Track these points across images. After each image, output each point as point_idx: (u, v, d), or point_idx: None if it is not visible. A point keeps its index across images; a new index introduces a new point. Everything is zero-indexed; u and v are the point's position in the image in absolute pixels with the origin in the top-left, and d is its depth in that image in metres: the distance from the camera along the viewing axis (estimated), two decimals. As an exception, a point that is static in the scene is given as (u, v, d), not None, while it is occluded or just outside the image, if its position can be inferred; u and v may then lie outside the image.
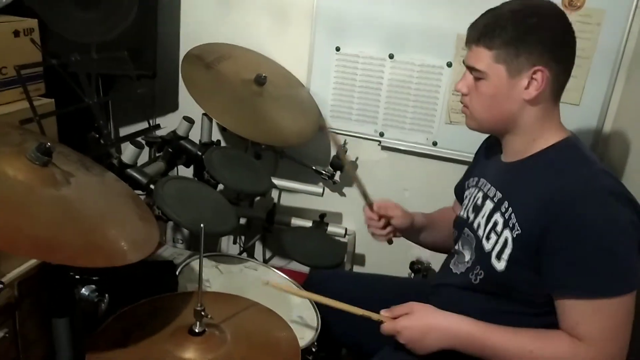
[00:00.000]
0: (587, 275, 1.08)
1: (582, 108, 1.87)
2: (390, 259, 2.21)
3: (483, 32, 1.16)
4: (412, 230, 1.52)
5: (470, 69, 1.21)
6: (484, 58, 1.17)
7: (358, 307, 1.26)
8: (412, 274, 2.10)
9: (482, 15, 1.20)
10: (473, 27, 1.20)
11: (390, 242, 1.54)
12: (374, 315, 1.25)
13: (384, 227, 1.49)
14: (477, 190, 1.35)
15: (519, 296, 1.18)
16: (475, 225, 1.29)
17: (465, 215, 1.36)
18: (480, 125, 1.26)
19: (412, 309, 1.22)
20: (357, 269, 2.25)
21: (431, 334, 1.18)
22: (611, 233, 1.07)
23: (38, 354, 1.51)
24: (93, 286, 1.17)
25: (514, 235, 1.15)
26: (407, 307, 1.23)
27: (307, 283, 1.62)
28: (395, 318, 1.22)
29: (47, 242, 0.91)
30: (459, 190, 1.52)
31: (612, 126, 1.88)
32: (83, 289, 1.17)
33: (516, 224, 1.15)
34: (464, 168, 1.56)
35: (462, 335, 1.17)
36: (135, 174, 1.50)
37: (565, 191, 1.10)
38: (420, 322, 1.20)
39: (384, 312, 1.25)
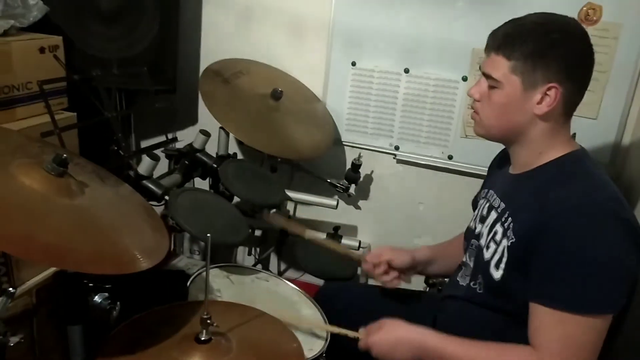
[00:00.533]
0: (561, 286, 1.07)
1: (599, 122, 1.86)
2: (405, 272, 2.21)
3: (504, 41, 1.17)
4: (419, 266, 1.53)
5: (486, 76, 1.22)
6: (501, 67, 1.17)
7: (336, 326, 1.37)
8: (427, 288, 2.09)
9: (505, 23, 1.20)
10: (494, 34, 1.20)
11: (407, 282, 1.57)
12: (350, 333, 1.34)
13: (387, 273, 1.51)
14: (485, 202, 1.36)
15: (519, 310, 1.17)
16: (479, 234, 1.31)
17: (473, 226, 1.38)
18: (487, 132, 1.26)
19: (382, 325, 1.29)
20: (372, 282, 2.25)
21: (399, 347, 1.24)
22: (595, 249, 1.06)
23: (55, 360, 1.56)
24: (106, 294, 1.21)
25: (509, 244, 1.16)
26: (378, 323, 1.30)
27: (318, 295, 1.63)
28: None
29: (58, 249, 0.95)
30: (475, 204, 1.53)
31: (630, 140, 1.85)
32: (96, 297, 1.20)
33: (512, 233, 1.16)
34: (479, 182, 1.56)
35: (424, 346, 1.22)
36: (150, 185, 1.54)
37: (557, 203, 1.10)
38: (388, 336, 1.26)
39: (361, 330, 1.32)
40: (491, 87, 1.21)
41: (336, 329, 1.35)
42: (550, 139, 1.20)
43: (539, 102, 1.15)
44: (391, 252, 1.49)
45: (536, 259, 1.10)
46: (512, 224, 1.18)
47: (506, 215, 1.21)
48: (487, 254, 1.24)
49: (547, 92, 1.14)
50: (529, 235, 1.12)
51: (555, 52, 1.13)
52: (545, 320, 1.09)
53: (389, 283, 1.52)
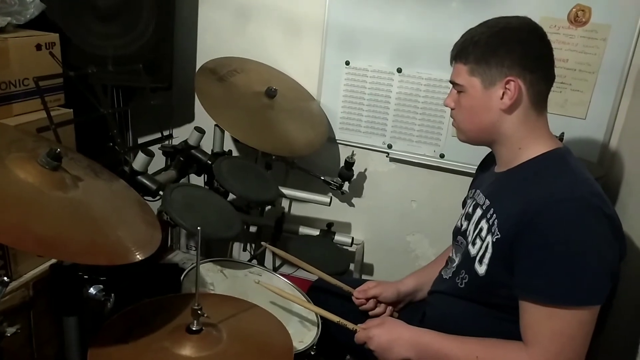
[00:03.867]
0: (548, 281, 1.09)
1: (588, 122, 1.89)
2: (398, 269, 2.23)
3: (459, 49, 1.25)
4: (406, 297, 1.57)
5: (453, 84, 1.29)
6: (461, 72, 1.24)
7: (336, 315, 1.38)
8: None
9: (462, 35, 1.27)
10: (454, 46, 1.28)
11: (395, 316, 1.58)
12: (349, 325, 1.36)
13: (376, 306, 1.56)
14: (471, 200, 1.39)
15: (502, 302, 1.20)
16: (466, 232, 1.34)
17: (459, 224, 1.41)
18: (467, 137, 1.32)
19: (384, 321, 1.35)
20: (365, 278, 2.28)
21: (396, 344, 1.28)
22: (580, 243, 1.09)
23: (51, 352, 1.58)
24: (100, 286, 1.24)
25: (494, 240, 1.19)
26: (380, 319, 1.36)
27: (311, 290, 1.66)
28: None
29: (52, 240, 0.97)
30: (464, 205, 1.56)
31: (618, 140, 1.88)
32: (91, 289, 1.23)
33: (496, 229, 1.19)
34: (470, 180, 1.59)
35: (420, 344, 1.26)
36: (145, 181, 1.56)
37: (541, 198, 1.12)
38: (389, 332, 1.31)
39: (360, 325, 1.36)
40: (459, 93, 1.27)
41: (336, 318, 1.38)
42: (526, 134, 1.23)
43: (502, 98, 1.20)
44: (377, 288, 1.53)
45: (521, 254, 1.13)
46: (496, 220, 1.21)
47: (491, 212, 1.24)
48: (473, 250, 1.27)
49: (507, 86, 1.19)
50: (514, 231, 1.14)
51: (505, 47, 1.19)
52: (534, 316, 1.11)
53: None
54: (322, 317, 1.42)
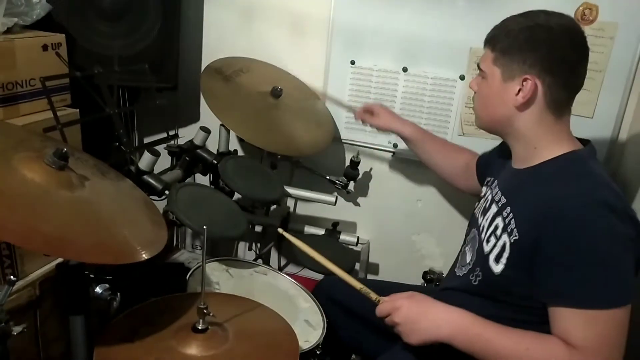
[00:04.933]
0: (581, 286, 1.08)
1: (595, 121, 1.87)
2: (403, 268, 2.24)
3: (491, 35, 1.26)
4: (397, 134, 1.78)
5: (479, 68, 1.30)
6: (487, 59, 1.26)
7: (359, 282, 1.30)
8: (425, 284, 2.11)
9: (502, 20, 1.27)
10: (490, 30, 1.28)
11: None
12: (372, 294, 1.28)
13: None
14: (489, 192, 1.38)
15: (516, 302, 1.20)
16: (480, 226, 1.33)
17: (477, 215, 1.40)
18: (481, 123, 1.34)
19: (414, 294, 1.24)
20: (370, 277, 2.28)
21: (427, 317, 1.19)
22: (607, 245, 1.08)
23: (57, 351, 1.59)
24: (106, 285, 1.23)
25: (512, 241, 1.17)
26: (408, 293, 1.25)
27: (316, 289, 1.66)
28: None
29: (58, 239, 0.98)
30: (482, 163, 1.61)
31: (626, 138, 1.87)
32: (97, 288, 1.23)
33: (515, 229, 1.18)
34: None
35: (459, 324, 1.17)
36: (150, 180, 1.57)
37: (563, 201, 1.11)
38: (419, 304, 1.21)
39: (384, 297, 1.27)
40: (482, 79, 1.29)
41: (359, 285, 1.29)
42: (543, 135, 1.22)
43: (517, 94, 1.20)
44: (386, 115, 1.80)
45: (544, 260, 1.11)
46: (513, 219, 1.19)
47: (507, 211, 1.23)
48: (486, 247, 1.26)
49: (524, 84, 1.19)
50: (532, 235, 1.13)
51: (532, 45, 1.18)
52: (572, 322, 1.09)
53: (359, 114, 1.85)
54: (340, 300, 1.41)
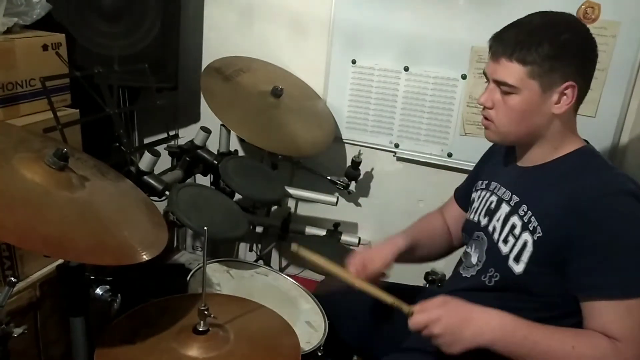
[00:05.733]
0: (618, 275, 1.08)
1: (598, 120, 1.86)
2: (405, 269, 2.19)
3: (517, 47, 1.16)
4: (399, 259, 1.42)
5: (499, 83, 1.20)
6: (516, 73, 1.16)
7: (391, 296, 1.21)
8: (427, 285, 2.10)
9: (510, 29, 1.20)
10: (502, 42, 1.18)
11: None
12: (404, 307, 1.18)
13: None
14: (489, 194, 1.36)
15: (536, 299, 1.19)
16: (490, 228, 1.30)
17: (476, 219, 1.37)
18: (504, 138, 1.27)
19: (447, 300, 1.16)
20: (372, 278, 2.27)
21: (471, 325, 1.12)
22: (638, 232, 1.08)
23: (58, 353, 1.58)
24: (107, 286, 1.23)
25: (535, 238, 1.16)
26: (440, 299, 1.17)
27: (318, 290, 1.65)
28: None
29: (58, 240, 0.97)
30: (462, 193, 1.55)
31: (629, 138, 1.86)
32: (97, 289, 1.22)
33: (538, 227, 1.17)
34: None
35: (502, 328, 1.12)
36: (151, 181, 1.56)
37: (589, 192, 1.12)
38: (459, 311, 1.15)
39: (415, 307, 1.18)
40: (506, 93, 1.19)
41: (390, 299, 1.20)
42: (565, 134, 1.23)
43: (557, 102, 1.17)
44: (372, 265, 1.36)
45: (577, 253, 1.11)
46: (533, 217, 1.18)
47: (524, 209, 1.22)
48: (504, 249, 1.23)
49: (565, 92, 1.16)
50: (559, 229, 1.12)
51: (569, 52, 1.15)
52: (612, 314, 1.08)
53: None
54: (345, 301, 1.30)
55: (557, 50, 1.14)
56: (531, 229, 1.18)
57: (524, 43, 1.15)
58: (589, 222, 1.09)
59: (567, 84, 1.15)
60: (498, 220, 1.28)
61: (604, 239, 1.09)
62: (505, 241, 1.24)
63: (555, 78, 1.15)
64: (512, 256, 1.21)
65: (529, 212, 1.20)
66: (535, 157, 1.27)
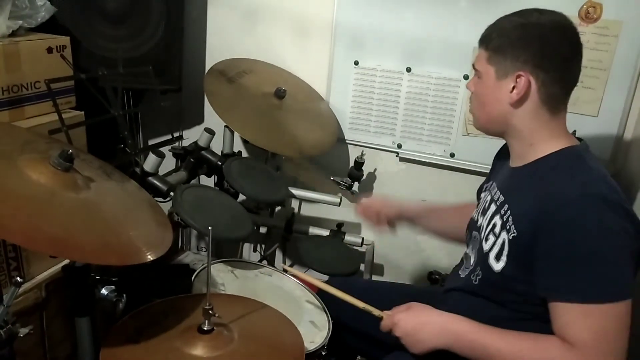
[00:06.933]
0: (578, 279, 1.08)
1: (600, 119, 1.87)
2: (408, 269, 2.24)
3: (485, 35, 1.26)
4: (406, 219, 1.65)
5: (474, 68, 1.29)
6: (481, 58, 1.25)
7: (361, 301, 1.35)
8: (430, 284, 2.11)
9: (495, 20, 1.27)
10: (484, 31, 1.28)
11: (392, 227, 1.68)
12: (375, 311, 1.33)
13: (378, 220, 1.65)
14: (487, 194, 1.38)
15: (517, 299, 1.19)
16: (480, 226, 1.33)
17: (475, 218, 1.40)
18: (479, 124, 1.33)
19: (411, 306, 1.28)
20: (375, 278, 2.28)
21: (425, 329, 1.22)
22: (602, 238, 1.08)
23: (64, 353, 1.60)
24: (112, 287, 1.24)
25: (510, 238, 1.18)
26: (406, 306, 1.29)
27: (318, 294, 1.66)
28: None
29: (64, 241, 0.98)
30: (479, 194, 1.56)
31: (631, 137, 1.86)
32: (103, 289, 1.23)
33: (512, 226, 1.18)
34: (481, 179, 1.57)
35: (454, 332, 1.20)
36: (155, 182, 1.57)
37: (558, 196, 1.11)
38: (415, 316, 1.25)
39: (386, 312, 1.31)
40: (478, 79, 1.28)
41: (361, 304, 1.35)
42: (538, 132, 1.22)
43: (511, 91, 1.20)
44: (380, 204, 1.64)
45: (543, 255, 1.11)
46: (510, 217, 1.20)
47: (505, 208, 1.23)
48: (485, 246, 1.26)
49: (517, 80, 1.19)
50: (530, 230, 1.13)
51: (525, 42, 1.18)
52: (569, 316, 1.09)
53: (377, 227, 1.67)
54: (345, 302, 1.38)
55: (513, 39, 1.19)
56: (507, 228, 1.20)
57: (490, 31, 1.24)
58: (553, 226, 1.10)
59: (518, 73, 1.18)
60: (486, 219, 1.31)
61: (564, 244, 1.09)
62: (487, 239, 1.27)
63: (507, 66, 1.20)
64: (492, 254, 1.23)
65: (508, 211, 1.22)
66: (518, 155, 1.28)
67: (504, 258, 1.19)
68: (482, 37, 1.26)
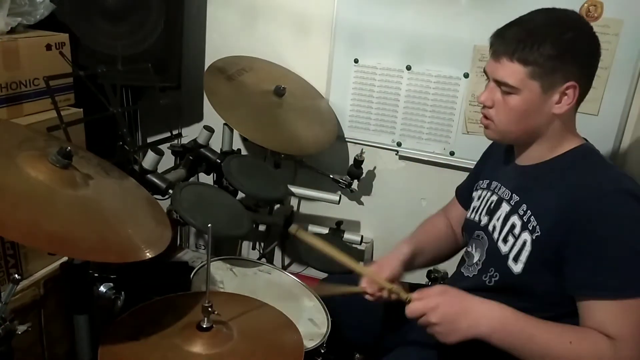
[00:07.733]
0: (613, 275, 1.08)
1: (600, 118, 1.86)
2: (407, 267, 2.23)
3: (518, 47, 1.13)
4: (408, 266, 1.41)
5: (500, 83, 1.18)
6: (517, 73, 1.14)
7: (388, 282, 1.24)
8: (430, 283, 2.10)
9: (512, 26, 1.17)
10: (503, 40, 1.16)
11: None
12: (402, 293, 1.20)
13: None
14: (489, 193, 1.35)
15: (535, 298, 1.18)
16: (490, 228, 1.30)
17: (476, 218, 1.37)
18: (503, 137, 1.26)
19: (446, 289, 1.17)
20: (375, 277, 2.27)
21: (469, 316, 1.12)
22: (635, 232, 1.08)
23: (62, 351, 1.59)
24: (111, 284, 1.24)
25: (534, 238, 1.16)
26: (439, 288, 1.18)
27: (320, 287, 1.65)
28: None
29: (62, 237, 0.98)
30: (464, 192, 1.54)
31: (632, 136, 1.86)
32: (101, 287, 1.23)
33: (537, 226, 1.16)
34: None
35: (500, 319, 1.12)
36: (154, 179, 1.57)
37: (586, 192, 1.11)
38: (458, 300, 1.14)
39: (413, 294, 1.19)
40: (506, 93, 1.18)
41: (388, 285, 1.23)
42: (565, 133, 1.22)
43: (558, 102, 1.15)
44: (384, 274, 1.32)
45: (573, 254, 1.10)
46: (532, 216, 1.18)
47: (524, 208, 1.21)
48: (504, 248, 1.23)
49: (566, 92, 1.14)
50: (557, 226, 1.12)
51: (572, 52, 1.13)
52: (609, 313, 1.08)
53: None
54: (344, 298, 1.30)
55: (560, 50, 1.11)
56: (530, 228, 1.18)
57: (525, 42, 1.12)
58: (584, 222, 1.09)
59: (568, 84, 1.13)
60: (498, 219, 1.28)
61: (598, 240, 1.08)
62: (505, 240, 1.24)
63: (556, 78, 1.13)
64: (511, 256, 1.21)
65: (529, 211, 1.20)
66: (533, 155, 1.26)
67: (523, 259, 1.18)
68: (513, 49, 1.13)
